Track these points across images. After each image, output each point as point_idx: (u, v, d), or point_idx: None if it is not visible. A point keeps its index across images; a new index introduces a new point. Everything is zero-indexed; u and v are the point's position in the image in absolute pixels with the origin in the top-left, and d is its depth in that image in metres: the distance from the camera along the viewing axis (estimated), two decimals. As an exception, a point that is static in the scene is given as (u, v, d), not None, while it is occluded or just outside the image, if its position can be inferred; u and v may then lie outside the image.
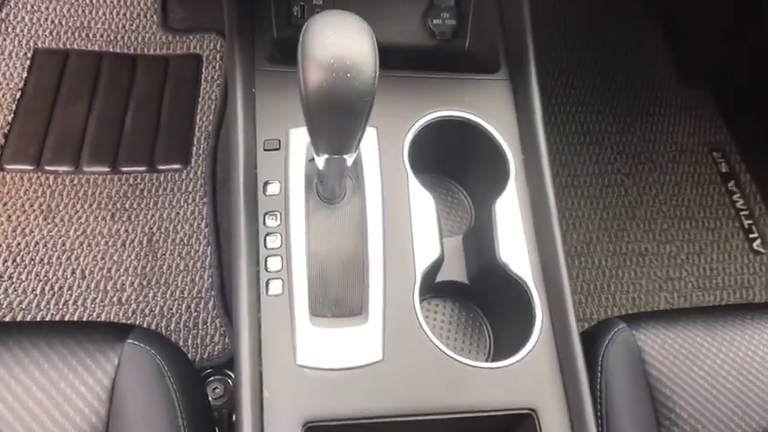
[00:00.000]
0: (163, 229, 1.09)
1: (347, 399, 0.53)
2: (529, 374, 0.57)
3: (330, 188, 0.57)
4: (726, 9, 1.35)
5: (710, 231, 1.27)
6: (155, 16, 1.28)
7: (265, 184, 0.60)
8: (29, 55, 1.20)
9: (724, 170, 1.34)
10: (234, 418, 0.54)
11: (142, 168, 1.13)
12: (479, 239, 0.65)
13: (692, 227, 1.27)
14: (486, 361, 0.65)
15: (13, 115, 1.13)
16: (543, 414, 0.55)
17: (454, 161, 0.70)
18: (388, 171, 0.61)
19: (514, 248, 0.62)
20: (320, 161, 0.52)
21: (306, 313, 0.55)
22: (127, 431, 0.55)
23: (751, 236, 1.26)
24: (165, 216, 1.10)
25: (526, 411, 0.56)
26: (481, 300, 0.67)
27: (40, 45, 1.21)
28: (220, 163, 1.14)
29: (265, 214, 0.59)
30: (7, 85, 1.16)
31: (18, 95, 1.16)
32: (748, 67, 1.39)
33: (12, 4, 1.22)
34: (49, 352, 0.57)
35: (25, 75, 1.18)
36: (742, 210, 1.29)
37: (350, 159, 0.50)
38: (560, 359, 0.58)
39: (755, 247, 1.25)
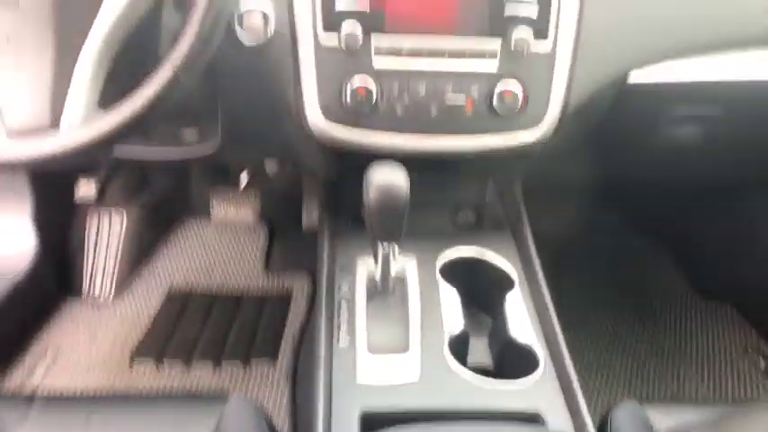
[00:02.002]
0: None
1: (392, 400, 0.75)
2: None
3: (383, 285, 0.87)
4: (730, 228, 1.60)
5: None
6: (260, 263, 1.70)
7: (340, 286, 0.91)
8: (165, 292, 1.59)
9: (762, 366, 1.43)
10: None
11: (238, 362, 1.41)
12: (495, 329, 0.86)
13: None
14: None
15: (149, 328, 1.47)
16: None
17: (474, 283, 0.95)
18: (425, 279, 0.90)
19: (521, 326, 0.84)
20: (377, 268, 0.83)
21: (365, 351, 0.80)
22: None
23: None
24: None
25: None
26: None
27: (173, 284, 1.61)
28: (300, 361, 1.38)
29: (340, 300, 0.88)
30: (146, 311, 1.54)
31: (153, 317, 1.51)
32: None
33: (160, 257, 1.68)
34: None
35: (160, 306, 1.55)
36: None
37: (396, 250, 0.80)
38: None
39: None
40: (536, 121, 0.89)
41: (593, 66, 0.91)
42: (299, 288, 1.62)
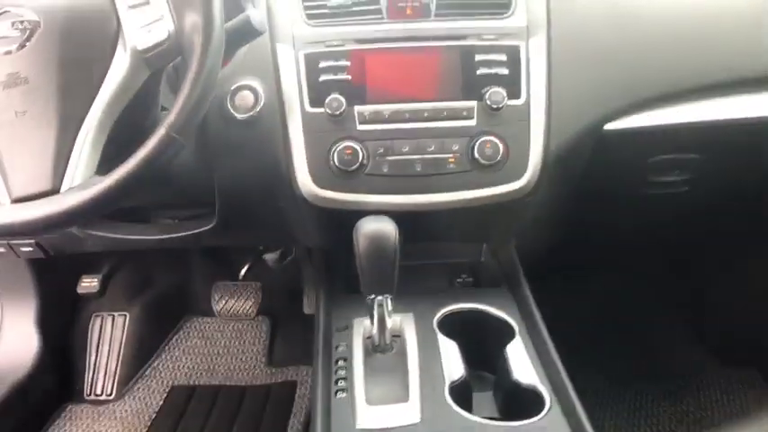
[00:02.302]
0: None
1: None
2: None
3: (380, 341, 0.85)
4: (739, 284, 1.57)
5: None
6: (263, 358, 1.66)
7: (337, 346, 0.89)
8: (166, 390, 1.55)
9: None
10: None
11: None
12: (499, 379, 0.83)
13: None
14: None
15: (147, 428, 1.41)
16: None
17: (473, 337, 0.93)
18: (423, 334, 0.87)
19: (525, 370, 0.82)
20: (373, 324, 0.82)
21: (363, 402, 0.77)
22: None
23: None
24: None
25: None
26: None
27: (175, 383, 1.57)
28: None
29: (337, 359, 0.86)
30: (147, 410, 1.49)
31: (153, 416, 1.46)
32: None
33: (162, 356, 1.65)
34: None
35: (161, 403, 1.51)
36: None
37: (390, 304, 0.79)
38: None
39: None
40: (519, 171, 0.93)
41: (567, 118, 0.96)
42: (302, 379, 1.57)
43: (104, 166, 0.74)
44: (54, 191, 0.70)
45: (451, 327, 0.91)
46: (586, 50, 0.99)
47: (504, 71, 0.94)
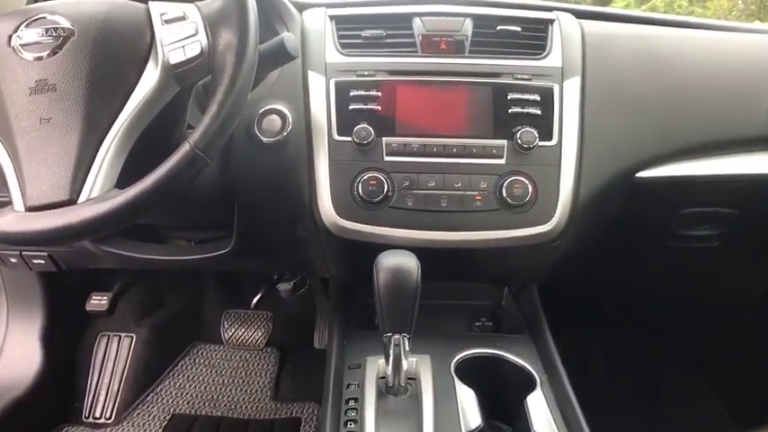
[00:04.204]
0: None
1: None
2: None
3: (394, 383, 0.79)
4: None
5: None
6: (268, 391, 1.61)
7: (348, 385, 0.84)
8: (167, 418, 1.50)
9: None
10: None
11: None
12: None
13: None
14: None
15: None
16: None
17: (491, 385, 0.87)
18: (439, 379, 0.82)
19: (546, 426, 0.76)
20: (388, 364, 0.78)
21: None
22: None
23: None
24: None
25: None
26: None
27: (177, 411, 1.52)
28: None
29: (347, 399, 0.81)
30: (145, 437, 1.44)
31: (152, 446, 1.41)
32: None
33: (166, 382, 1.60)
34: None
35: (160, 431, 1.45)
36: None
37: (407, 344, 0.74)
38: None
39: None
40: (547, 214, 0.90)
41: (598, 164, 0.93)
42: (307, 417, 1.51)
43: (124, 180, 0.73)
44: (71, 202, 0.68)
45: (469, 372, 0.86)
46: (620, 97, 0.97)
47: (537, 111, 0.92)
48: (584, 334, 1.30)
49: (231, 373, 1.66)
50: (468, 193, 0.90)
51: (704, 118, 0.97)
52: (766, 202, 1.02)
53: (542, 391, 0.83)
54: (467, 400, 0.80)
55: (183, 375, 1.64)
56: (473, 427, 0.76)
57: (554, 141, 0.92)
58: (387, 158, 0.91)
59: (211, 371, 1.66)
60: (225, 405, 1.56)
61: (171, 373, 1.63)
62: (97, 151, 0.70)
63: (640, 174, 0.96)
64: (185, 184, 0.70)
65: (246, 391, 1.61)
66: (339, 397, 0.82)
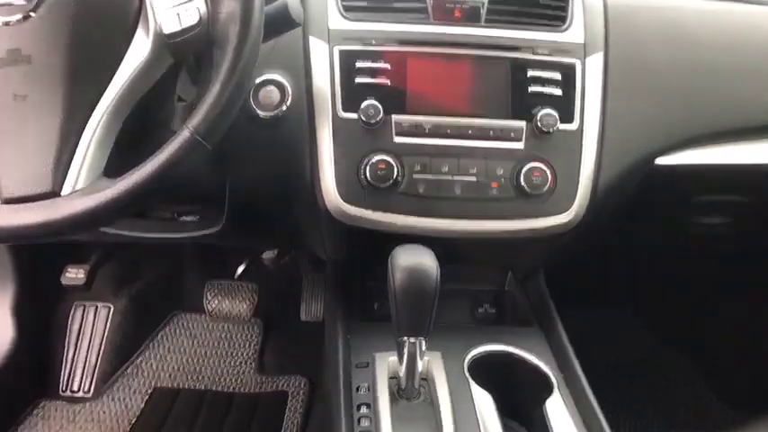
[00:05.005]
0: None
1: None
2: None
3: (408, 386, 0.75)
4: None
5: None
6: (253, 363, 1.57)
7: (358, 387, 0.78)
8: (148, 392, 1.45)
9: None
10: None
11: None
12: None
13: None
14: None
15: (127, 433, 1.32)
16: None
17: (506, 387, 0.84)
18: (453, 380, 0.78)
19: None
20: (401, 366, 0.73)
21: None
22: None
23: None
24: None
25: None
26: None
27: (158, 384, 1.47)
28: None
29: (359, 405, 0.76)
30: (127, 413, 1.39)
31: (133, 421, 1.36)
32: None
33: (146, 354, 1.54)
34: None
35: (142, 406, 1.41)
36: None
37: (424, 346, 0.70)
38: None
39: None
40: (565, 204, 0.85)
41: (619, 149, 0.88)
42: (294, 389, 1.48)
43: (113, 166, 0.64)
44: (53, 194, 0.60)
45: (482, 371, 0.82)
46: (645, 77, 0.91)
47: (558, 91, 0.86)
48: (581, 319, 1.29)
49: (214, 344, 1.60)
50: (484, 180, 0.84)
51: (732, 101, 0.92)
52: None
53: (561, 394, 0.80)
54: (484, 406, 0.76)
55: (164, 347, 1.58)
56: None
57: (575, 125, 0.86)
58: (397, 139, 0.84)
59: (193, 342, 1.60)
60: (208, 378, 1.51)
61: (151, 345, 1.57)
62: (81, 134, 0.62)
63: (659, 160, 0.92)
64: (183, 174, 0.63)
65: (230, 363, 1.56)
66: (350, 401, 0.77)
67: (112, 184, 0.60)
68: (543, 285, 0.99)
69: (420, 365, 0.73)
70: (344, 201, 0.83)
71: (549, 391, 0.80)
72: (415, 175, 0.83)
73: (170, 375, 1.50)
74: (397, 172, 0.82)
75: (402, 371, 0.74)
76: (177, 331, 1.62)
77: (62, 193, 0.60)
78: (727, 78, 0.93)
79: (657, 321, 1.60)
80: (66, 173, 0.60)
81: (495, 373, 0.82)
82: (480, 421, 0.74)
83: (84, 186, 0.60)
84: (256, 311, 1.64)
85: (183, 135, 0.61)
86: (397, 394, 0.77)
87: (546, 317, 0.93)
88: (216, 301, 1.64)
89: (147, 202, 0.63)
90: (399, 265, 0.68)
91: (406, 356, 0.72)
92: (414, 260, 0.68)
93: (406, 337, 0.71)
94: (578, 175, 0.85)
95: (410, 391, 0.76)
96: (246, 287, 1.64)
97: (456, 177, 0.83)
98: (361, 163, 0.83)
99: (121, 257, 1.54)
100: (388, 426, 0.71)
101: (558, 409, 0.77)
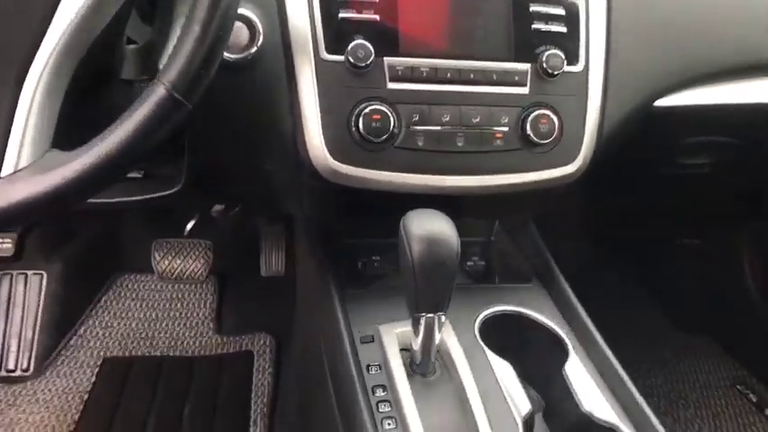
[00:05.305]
0: None
1: None
2: None
3: (424, 362, 0.69)
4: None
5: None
6: (211, 323, 1.47)
7: (368, 366, 0.71)
8: (98, 363, 1.33)
9: (754, 399, 1.40)
10: None
11: None
12: (556, 406, 0.71)
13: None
14: None
15: (80, 414, 1.19)
16: None
17: (517, 350, 0.80)
18: (468, 351, 0.73)
19: (592, 399, 0.70)
20: (416, 342, 0.66)
21: None
22: None
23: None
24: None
25: None
26: None
27: (108, 354, 1.35)
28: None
29: (373, 387, 0.69)
30: (77, 389, 1.26)
31: (86, 397, 1.24)
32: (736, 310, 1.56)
33: (90, 322, 1.40)
34: None
35: (93, 379, 1.28)
36: (789, 434, 1.31)
37: (443, 319, 0.65)
38: None
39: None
40: (571, 154, 0.79)
41: (623, 92, 0.83)
42: (259, 348, 1.41)
43: (63, 134, 0.51)
44: (-10, 172, 0.47)
45: (493, 336, 0.77)
46: (647, 15, 0.84)
47: (562, 28, 0.77)
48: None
49: (165, 306, 1.49)
50: (487, 129, 0.75)
51: (732, 39, 0.87)
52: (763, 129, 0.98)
53: (578, 358, 0.76)
54: (506, 376, 0.71)
55: (109, 313, 1.44)
56: (524, 412, 0.68)
57: (580, 66, 0.78)
58: (390, 86, 0.73)
59: (141, 305, 1.47)
60: (163, 343, 1.40)
61: (94, 312, 1.43)
62: (18, 97, 0.47)
63: (658, 103, 0.87)
64: (159, 142, 0.50)
65: (185, 325, 1.45)
66: (364, 384, 0.70)
67: (70, 158, 0.47)
68: (538, 238, 0.94)
69: (437, 340, 0.66)
70: (334, 158, 0.73)
71: (565, 353, 0.76)
72: (413, 127, 0.74)
73: (120, 344, 1.38)
74: (394, 123, 0.72)
75: (417, 346, 0.67)
76: (122, 294, 1.48)
77: (2, 175, 0.46)
78: (728, 16, 0.88)
79: (618, 254, 1.63)
80: (5, 149, 0.47)
81: (506, 338, 0.77)
82: (506, 393, 0.69)
83: (27, 163, 0.47)
84: (213, 270, 1.52)
85: (159, 93, 0.48)
86: (411, 370, 0.70)
87: (547, 272, 0.88)
88: (166, 261, 1.50)
89: (114, 178, 0.50)
90: (415, 235, 0.60)
91: (422, 332, 0.65)
92: (431, 229, 0.60)
93: (424, 314, 0.64)
94: (584, 122, 0.79)
95: (426, 367, 0.69)
96: (199, 244, 1.51)
97: (458, 128, 0.75)
98: (351, 114, 0.72)
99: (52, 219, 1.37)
100: (413, 410, 0.64)
101: (578, 374, 0.73)
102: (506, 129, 0.76)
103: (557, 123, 0.76)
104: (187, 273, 1.50)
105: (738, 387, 1.44)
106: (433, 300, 0.63)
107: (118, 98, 0.69)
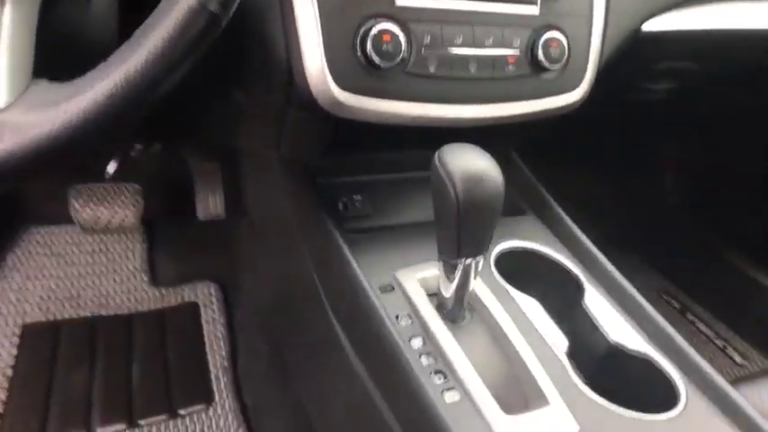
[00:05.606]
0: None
1: None
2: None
3: (455, 308, 0.65)
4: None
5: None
6: (144, 275, 1.32)
7: (397, 317, 0.66)
8: (17, 332, 1.15)
9: (677, 306, 1.54)
10: None
11: (162, 416, 1.04)
12: (581, 341, 0.72)
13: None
14: None
15: (7, 392, 1.03)
16: None
17: (533, 290, 0.79)
18: (496, 292, 0.70)
19: (620, 331, 0.70)
20: (448, 288, 0.62)
21: (497, 411, 0.57)
22: None
23: (728, 352, 1.41)
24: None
25: None
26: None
27: (27, 321, 1.17)
28: (246, 393, 1.10)
29: (410, 338, 0.63)
30: (-3, 365, 1.08)
31: (10, 373, 1.07)
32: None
33: (-2, 283, 1.21)
34: None
35: (15, 352, 1.11)
36: (709, 334, 1.46)
37: (481, 263, 0.61)
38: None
39: (738, 362, 1.39)
40: (577, 79, 0.76)
41: (622, 12, 0.80)
42: (204, 297, 1.29)
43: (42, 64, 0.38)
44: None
45: (509, 274, 0.74)
46: None
47: None
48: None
49: (87, 260, 1.31)
50: (500, 53, 0.69)
51: None
52: (728, 56, 1.01)
53: (596, 291, 0.75)
54: (535, 314, 0.69)
55: (20, 273, 1.24)
56: (565, 349, 0.66)
57: None
58: (399, 2, 0.64)
59: (59, 261, 1.28)
60: (92, 302, 1.24)
61: (1, 273, 1.22)
62: None
63: (645, 27, 0.85)
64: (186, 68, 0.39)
65: (115, 280, 1.29)
66: (395, 338, 0.63)
67: (68, 89, 0.35)
68: (526, 170, 0.91)
69: (473, 285, 0.62)
70: (338, 85, 0.63)
71: (578, 287, 0.75)
72: (425, 51, 0.66)
73: (39, 307, 1.20)
74: (405, 45, 0.64)
75: (449, 292, 0.62)
76: (33, 251, 1.28)
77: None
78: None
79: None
80: None
81: (520, 275, 0.75)
82: (541, 331, 0.67)
83: (14, 99, 0.34)
84: (145, 216, 1.35)
85: (188, 2, 0.36)
86: (441, 317, 0.65)
87: (543, 205, 0.86)
88: (89, 210, 1.30)
89: (132, 116, 0.38)
90: (458, 174, 0.54)
91: (458, 278, 0.60)
92: (477, 165, 0.54)
93: (463, 259, 0.59)
94: (589, 46, 0.75)
95: (457, 313, 0.65)
96: (126, 188, 1.33)
97: (472, 50, 0.68)
98: (357, 34, 0.62)
99: None
100: (463, 358, 0.60)
101: (599, 306, 0.72)
102: (518, 53, 0.70)
103: (566, 46, 0.72)
104: (116, 222, 1.32)
105: (664, 296, 1.57)
106: (475, 243, 0.58)
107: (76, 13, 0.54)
